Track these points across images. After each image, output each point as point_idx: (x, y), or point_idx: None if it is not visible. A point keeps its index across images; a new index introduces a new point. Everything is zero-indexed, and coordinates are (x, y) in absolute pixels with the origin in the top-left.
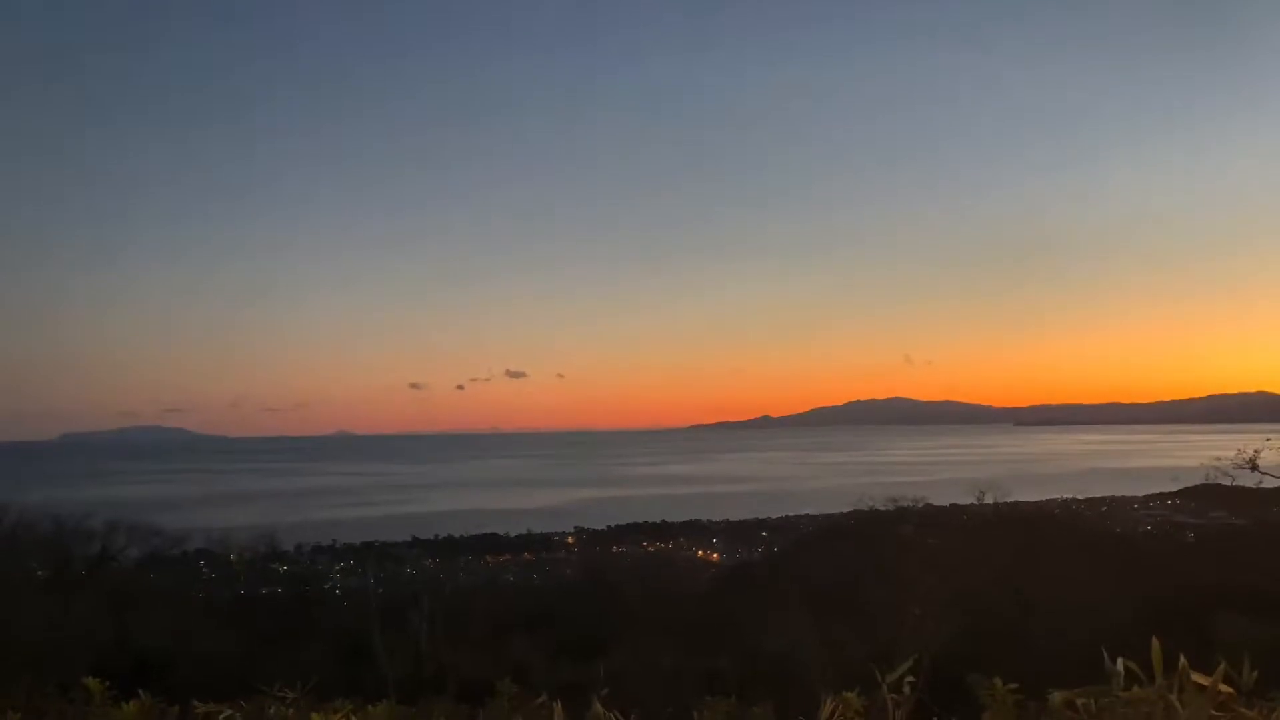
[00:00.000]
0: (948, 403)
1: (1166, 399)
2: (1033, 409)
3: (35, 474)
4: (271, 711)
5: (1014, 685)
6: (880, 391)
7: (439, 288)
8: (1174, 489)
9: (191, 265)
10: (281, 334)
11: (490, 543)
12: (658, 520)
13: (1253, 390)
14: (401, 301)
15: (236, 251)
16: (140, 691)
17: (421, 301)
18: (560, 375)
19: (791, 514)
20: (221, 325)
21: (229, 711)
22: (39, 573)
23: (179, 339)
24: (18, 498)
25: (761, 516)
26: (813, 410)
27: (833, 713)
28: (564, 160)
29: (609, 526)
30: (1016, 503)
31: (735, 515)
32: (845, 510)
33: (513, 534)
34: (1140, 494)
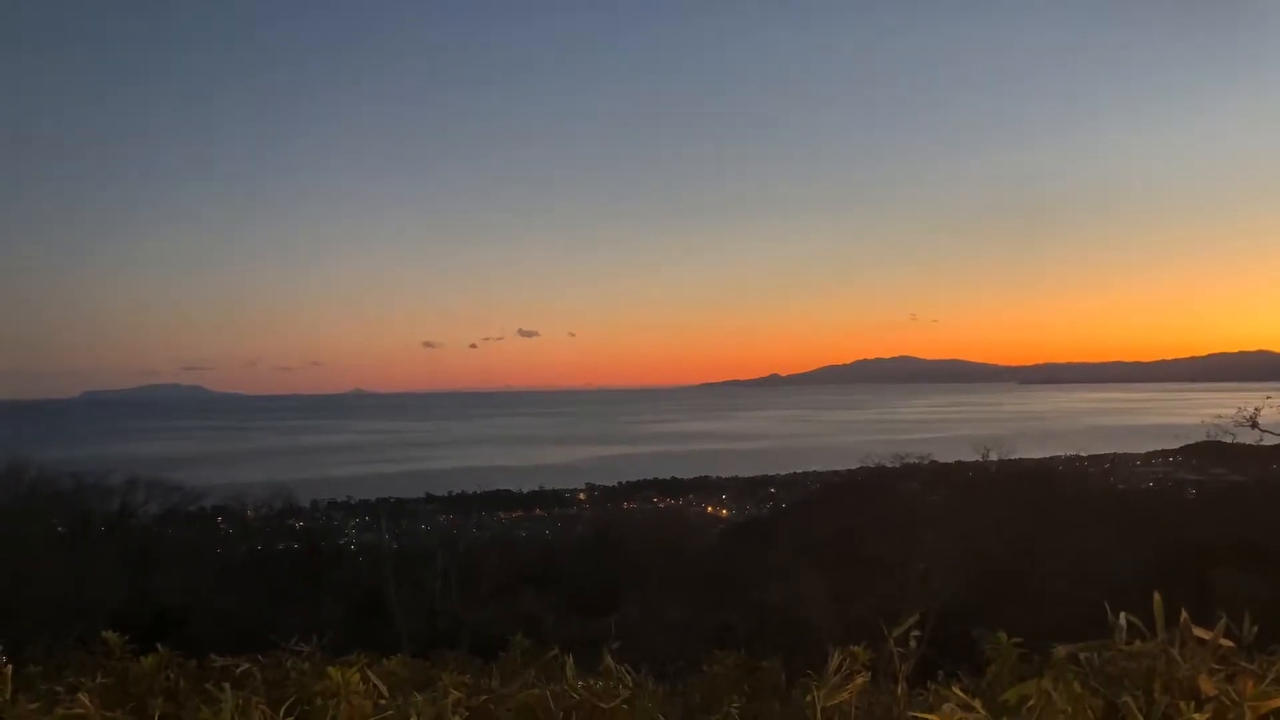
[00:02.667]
0: (953, 361)
1: (1168, 357)
2: (1037, 367)
3: (57, 431)
4: (288, 665)
5: (1018, 639)
6: (886, 350)
7: (452, 248)
8: (1176, 446)
9: (209, 227)
10: (298, 294)
11: (503, 499)
12: (667, 477)
13: (1253, 349)
14: (415, 261)
15: (253, 213)
16: (159, 645)
17: (435, 261)
18: (571, 334)
19: (799, 471)
20: (239, 285)
21: (246, 665)
22: (59, 529)
23: (197, 299)
24: (39, 455)
25: (769, 473)
26: (820, 369)
27: (840, 666)
28: (575, 122)
29: (620, 483)
30: (1021, 460)
31: (744, 472)
32: (852, 467)
33: (525, 490)
34: (1142, 451)
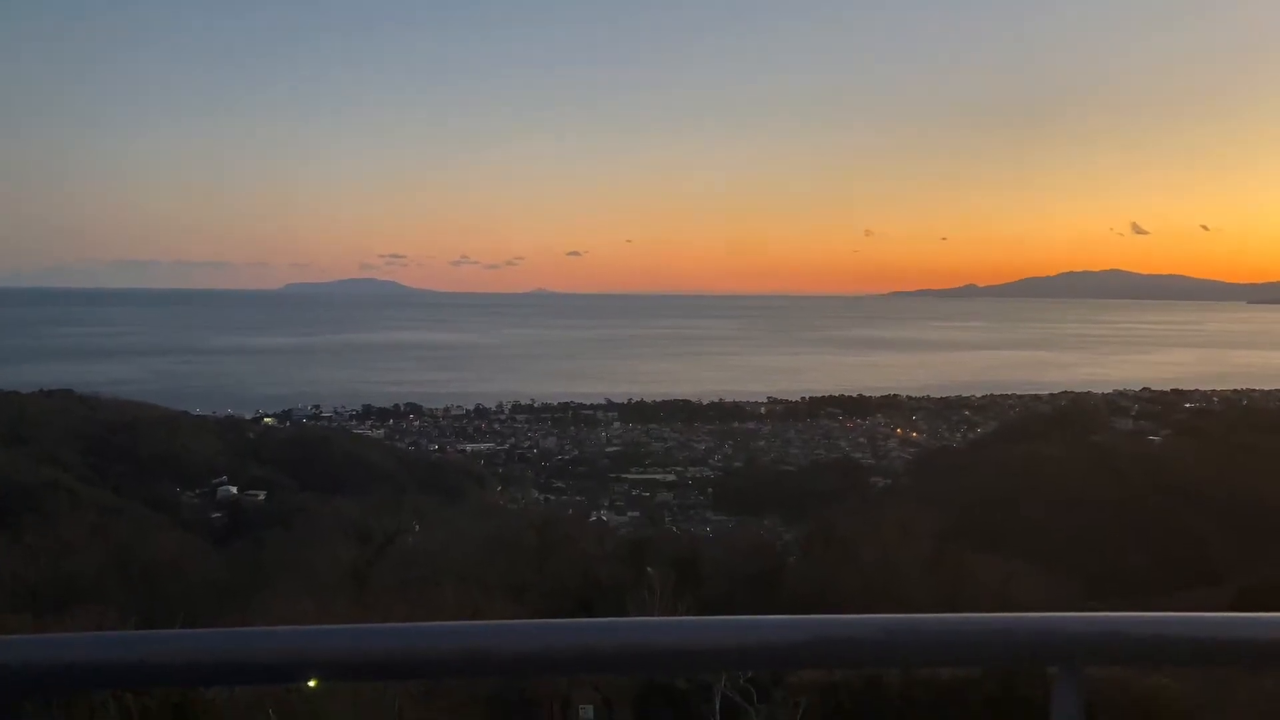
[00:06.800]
0: (1172, 276)
1: None
2: (1274, 285)
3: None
4: None
5: None
6: (1095, 263)
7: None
8: None
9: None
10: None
11: (682, 409)
12: (854, 394)
13: None
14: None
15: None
16: None
17: (586, 164)
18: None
19: (996, 393)
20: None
21: None
22: None
23: (394, 200)
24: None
25: (964, 394)
26: (1022, 280)
27: None
28: None
29: (803, 398)
30: (1248, 391)
31: (935, 391)
32: (1054, 392)
33: (704, 402)
34: None
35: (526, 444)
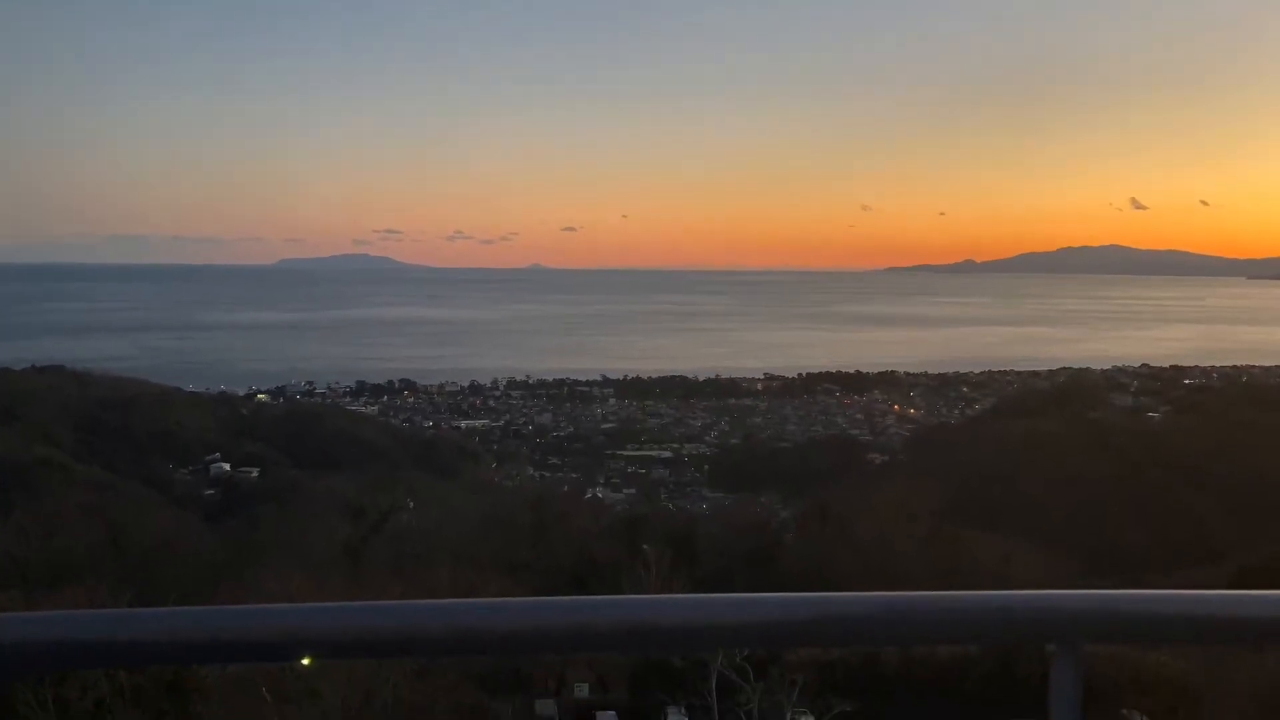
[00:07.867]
0: (1171, 252)
1: None
2: (1273, 261)
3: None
4: None
5: None
6: (1093, 239)
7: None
8: None
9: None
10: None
11: (678, 385)
12: (851, 370)
13: None
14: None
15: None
16: None
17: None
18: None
19: (995, 369)
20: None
21: None
22: None
23: (388, 173)
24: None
25: (961, 370)
26: (1021, 256)
27: None
28: None
29: (799, 375)
30: (1250, 367)
31: (934, 368)
32: (1053, 368)
33: (700, 378)
34: None
35: (522, 420)
